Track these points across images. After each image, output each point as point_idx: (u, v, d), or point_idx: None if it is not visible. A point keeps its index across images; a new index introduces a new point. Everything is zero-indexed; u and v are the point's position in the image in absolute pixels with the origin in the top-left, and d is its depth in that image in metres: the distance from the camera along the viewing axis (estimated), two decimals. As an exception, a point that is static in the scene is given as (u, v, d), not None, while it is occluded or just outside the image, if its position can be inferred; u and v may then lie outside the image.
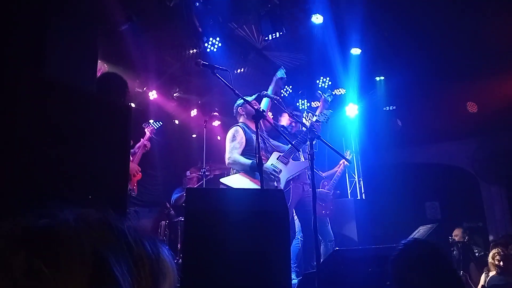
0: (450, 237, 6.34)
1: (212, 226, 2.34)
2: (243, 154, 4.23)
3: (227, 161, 4.25)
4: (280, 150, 4.54)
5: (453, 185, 7.81)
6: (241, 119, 4.49)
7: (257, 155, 3.15)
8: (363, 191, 7.71)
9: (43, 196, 1.65)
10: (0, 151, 1.55)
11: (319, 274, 3.03)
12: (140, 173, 5.45)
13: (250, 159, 4.15)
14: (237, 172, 4.21)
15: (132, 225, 0.57)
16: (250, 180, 4.09)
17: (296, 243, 5.13)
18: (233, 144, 4.24)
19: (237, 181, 4.12)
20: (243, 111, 4.46)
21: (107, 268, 0.49)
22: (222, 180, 4.25)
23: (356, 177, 7.82)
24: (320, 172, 6.18)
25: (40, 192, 1.73)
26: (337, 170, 6.10)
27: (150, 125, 5.91)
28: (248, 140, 4.29)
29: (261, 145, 4.29)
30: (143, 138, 5.51)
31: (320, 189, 5.81)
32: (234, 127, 4.40)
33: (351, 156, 6.14)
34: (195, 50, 6.11)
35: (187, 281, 2.20)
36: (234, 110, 4.56)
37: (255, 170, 3.98)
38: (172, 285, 0.59)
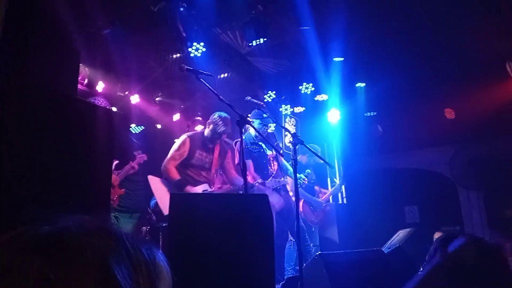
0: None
1: (196, 231, 2.33)
2: (181, 164, 4.29)
3: (162, 166, 4.30)
4: (231, 179, 4.57)
5: (431, 190, 7.97)
6: (206, 130, 4.47)
7: (241, 162, 3.17)
8: (344, 195, 7.80)
9: (26, 202, 1.63)
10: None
11: (302, 278, 3.06)
12: (123, 190, 5.47)
13: (182, 172, 4.24)
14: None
15: (128, 231, 0.58)
16: (166, 190, 4.17)
17: (289, 245, 5.22)
18: (174, 154, 4.29)
19: (157, 185, 4.23)
20: (211, 124, 4.38)
21: (110, 274, 0.49)
22: (149, 176, 4.34)
23: (337, 182, 7.91)
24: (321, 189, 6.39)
25: (23, 197, 1.70)
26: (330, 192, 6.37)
27: (142, 154, 6.00)
28: (189, 154, 4.32)
29: (199, 162, 4.37)
30: (132, 161, 5.56)
31: (315, 198, 5.93)
32: (184, 137, 4.42)
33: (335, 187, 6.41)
34: (178, 55, 6.10)
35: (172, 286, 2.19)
36: (210, 118, 4.48)
37: (177, 187, 4.11)
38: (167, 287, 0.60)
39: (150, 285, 0.55)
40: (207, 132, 4.44)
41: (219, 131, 4.32)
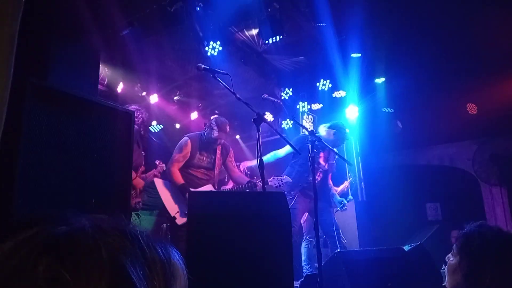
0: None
1: (214, 229, 2.36)
2: (184, 165, 4.34)
3: (166, 169, 4.39)
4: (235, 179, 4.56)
5: (454, 186, 7.80)
6: (205, 133, 4.45)
7: (258, 158, 3.15)
8: (364, 192, 7.72)
9: (49, 202, 1.68)
10: (6, 159, 1.57)
11: (321, 276, 3.05)
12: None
13: (185, 172, 4.29)
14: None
15: (143, 230, 0.59)
16: (169, 193, 4.25)
17: (306, 244, 5.27)
18: (178, 157, 4.34)
19: (161, 187, 4.30)
20: (207, 128, 4.39)
21: (124, 274, 0.50)
22: (155, 179, 4.45)
23: (357, 179, 7.82)
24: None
25: (45, 197, 1.75)
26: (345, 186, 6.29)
27: (162, 164, 6.08)
28: (191, 155, 4.36)
29: (200, 162, 4.38)
30: (155, 169, 5.63)
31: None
32: (185, 139, 4.45)
33: (351, 178, 6.29)
34: (195, 54, 6.15)
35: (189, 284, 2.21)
36: (209, 121, 4.51)
37: (180, 191, 4.15)
38: (183, 287, 0.61)
39: (165, 284, 0.56)
40: (205, 134, 4.45)
41: (213, 136, 4.32)
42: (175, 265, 0.60)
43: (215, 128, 4.30)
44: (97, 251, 0.50)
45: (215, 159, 4.49)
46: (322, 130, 4.87)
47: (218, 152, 4.51)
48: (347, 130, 5.00)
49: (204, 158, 4.43)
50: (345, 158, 5.01)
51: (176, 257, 0.61)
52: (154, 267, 0.55)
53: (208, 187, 4.39)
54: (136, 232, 0.57)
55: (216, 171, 4.53)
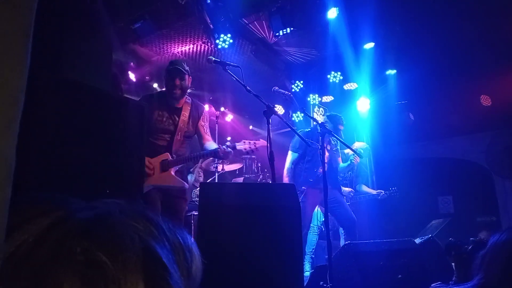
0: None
1: (225, 220, 2.38)
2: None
3: None
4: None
5: (466, 179, 7.73)
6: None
7: (268, 151, 3.12)
8: (375, 185, 7.68)
9: (62, 192, 1.71)
10: (23, 149, 1.61)
11: (331, 267, 3.07)
12: None
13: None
14: None
15: (162, 216, 0.59)
16: None
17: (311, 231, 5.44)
18: None
19: None
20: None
21: (156, 257, 0.50)
22: None
23: (368, 171, 7.79)
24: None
25: (58, 188, 1.79)
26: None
27: None
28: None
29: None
30: None
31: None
32: None
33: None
34: (206, 47, 6.16)
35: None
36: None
37: None
38: (198, 272, 0.61)
39: (187, 268, 0.57)
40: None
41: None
42: (192, 251, 0.61)
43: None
44: (129, 235, 0.50)
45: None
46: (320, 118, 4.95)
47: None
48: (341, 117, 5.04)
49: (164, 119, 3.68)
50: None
51: (194, 243, 0.63)
52: (177, 252, 0.56)
53: (164, 156, 3.62)
54: (157, 217, 0.57)
55: (178, 137, 3.71)
